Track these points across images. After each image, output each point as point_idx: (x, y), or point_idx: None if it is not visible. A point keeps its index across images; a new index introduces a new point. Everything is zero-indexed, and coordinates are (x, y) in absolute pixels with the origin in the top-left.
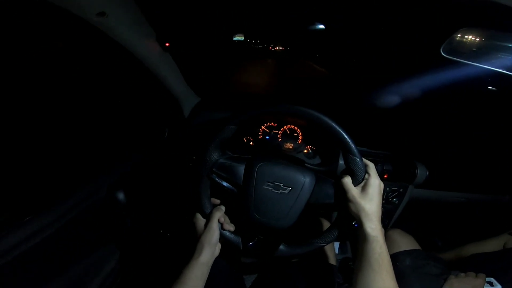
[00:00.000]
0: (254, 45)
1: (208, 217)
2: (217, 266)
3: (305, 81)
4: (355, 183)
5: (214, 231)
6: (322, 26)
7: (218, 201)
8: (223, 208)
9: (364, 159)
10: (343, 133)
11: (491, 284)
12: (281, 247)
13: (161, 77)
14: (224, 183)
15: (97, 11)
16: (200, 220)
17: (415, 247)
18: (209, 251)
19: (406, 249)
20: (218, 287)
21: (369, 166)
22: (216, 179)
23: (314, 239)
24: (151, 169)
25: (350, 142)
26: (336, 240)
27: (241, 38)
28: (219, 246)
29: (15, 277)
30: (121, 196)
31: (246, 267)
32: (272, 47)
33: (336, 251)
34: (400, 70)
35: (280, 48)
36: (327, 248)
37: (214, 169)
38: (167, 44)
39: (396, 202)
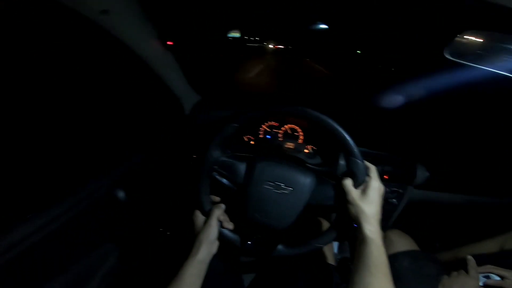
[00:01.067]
0: (251, 43)
1: (207, 215)
2: (215, 264)
3: (306, 80)
4: (356, 185)
5: (213, 228)
6: (324, 26)
7: (218, 199)
8: (222, 206)
9: (365, 162)
10: (345, 135)
11: (487, 277)
12: (279, 247)
13: (162, 75)
14: (225, 181)
15: (100, 8)
16: (199, 218)
17: (414, 248)
18: (207, 248)
19: (405, 249)
20: (216, 286)
21: (371, 168)
22: (217, 177)
23: (312, 240)
24: (152, 168)
25: (352, 144)
26: (335, 240)
27: (237, 35)
28: (216, 244)
29: (16, 275)
30: (121, 194)
31: (245, 266)
32: (272, 45)
33: (335, 250)
34: (402, 71)
35: (280, 46)
36: (326, 248)
37: (215, 167)
38: (170, 43)
39: (396, 202)
